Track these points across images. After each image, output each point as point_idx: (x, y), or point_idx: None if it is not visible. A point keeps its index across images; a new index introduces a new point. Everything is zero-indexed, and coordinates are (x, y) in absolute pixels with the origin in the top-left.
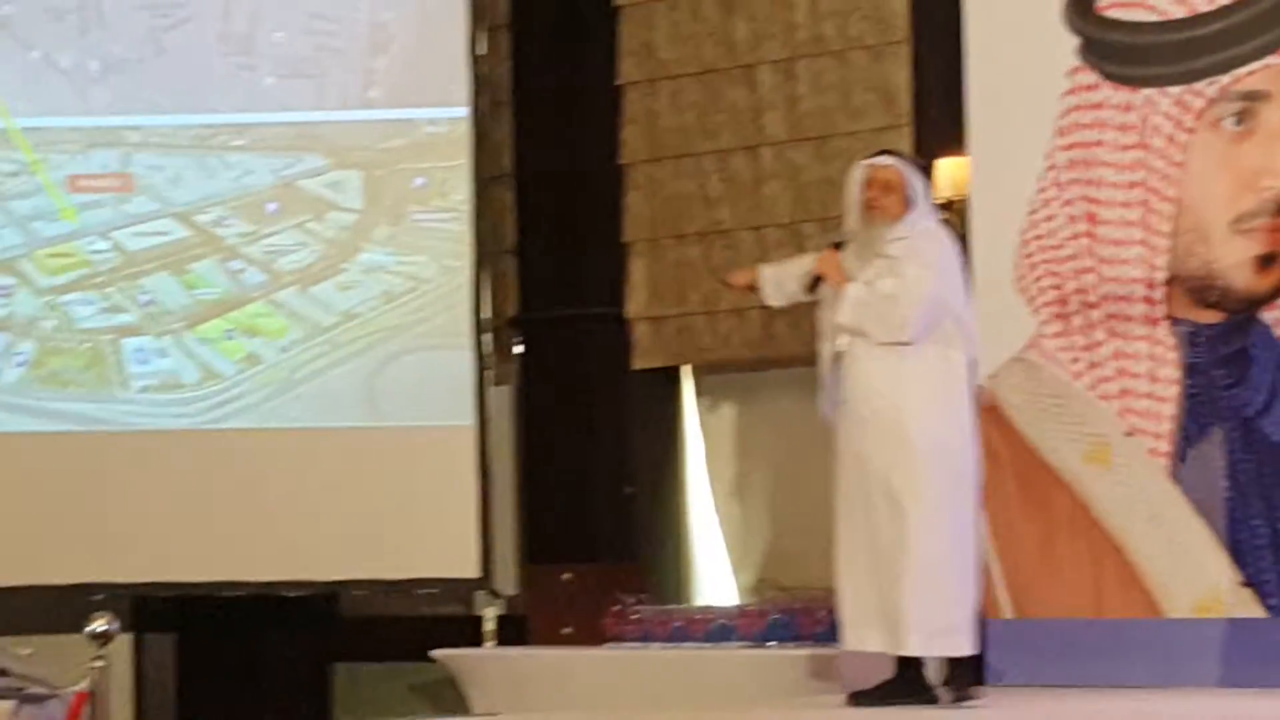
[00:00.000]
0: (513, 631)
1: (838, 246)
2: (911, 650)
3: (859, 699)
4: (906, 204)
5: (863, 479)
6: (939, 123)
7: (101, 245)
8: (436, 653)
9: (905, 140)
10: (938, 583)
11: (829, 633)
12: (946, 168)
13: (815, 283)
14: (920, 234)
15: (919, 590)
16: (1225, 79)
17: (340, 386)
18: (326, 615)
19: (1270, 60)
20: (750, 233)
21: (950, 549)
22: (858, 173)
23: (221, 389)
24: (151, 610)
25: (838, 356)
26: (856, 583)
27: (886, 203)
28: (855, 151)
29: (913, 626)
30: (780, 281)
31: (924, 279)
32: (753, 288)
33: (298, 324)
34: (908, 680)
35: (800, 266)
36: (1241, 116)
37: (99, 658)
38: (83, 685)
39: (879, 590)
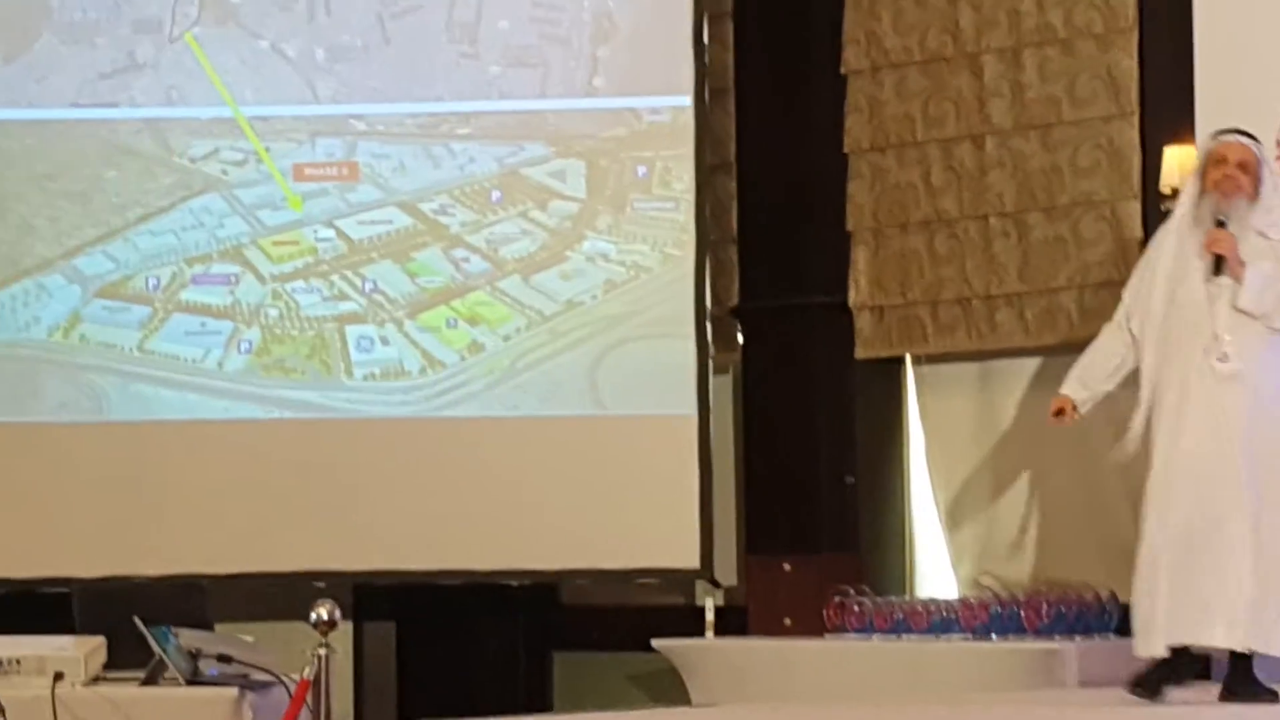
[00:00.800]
0: (732, 622)
1: (1221, 225)
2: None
3: (1230, 694)
4: (1257, 185)
5: (1219, 464)
6: (1167, 111)
7: (326, 233)
8: (657, 642)
9: (1132, 129)
10: None
11: (1051, 626)
12: (1174, 157)
13: (1219, 264)
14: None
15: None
16: None
17: (562, 375)
18: (546, 604)
19: None
20: (974, 222)
21: None
22: (1208, 148)
23: (443, 377)
24: (372, 598)
25: (1211, 349)
26: (1185, 577)
27: (1244, 181)
28: (1081, 140)
29: (1273, 624)
30: (1086, 381)
31: None
32: (1070, 409)
33: (520, 312)
34: (1248, 677)
35: (1096, 355)
36: None
37: (323, 645)
38: (306, 672)
39: (1222, 584)
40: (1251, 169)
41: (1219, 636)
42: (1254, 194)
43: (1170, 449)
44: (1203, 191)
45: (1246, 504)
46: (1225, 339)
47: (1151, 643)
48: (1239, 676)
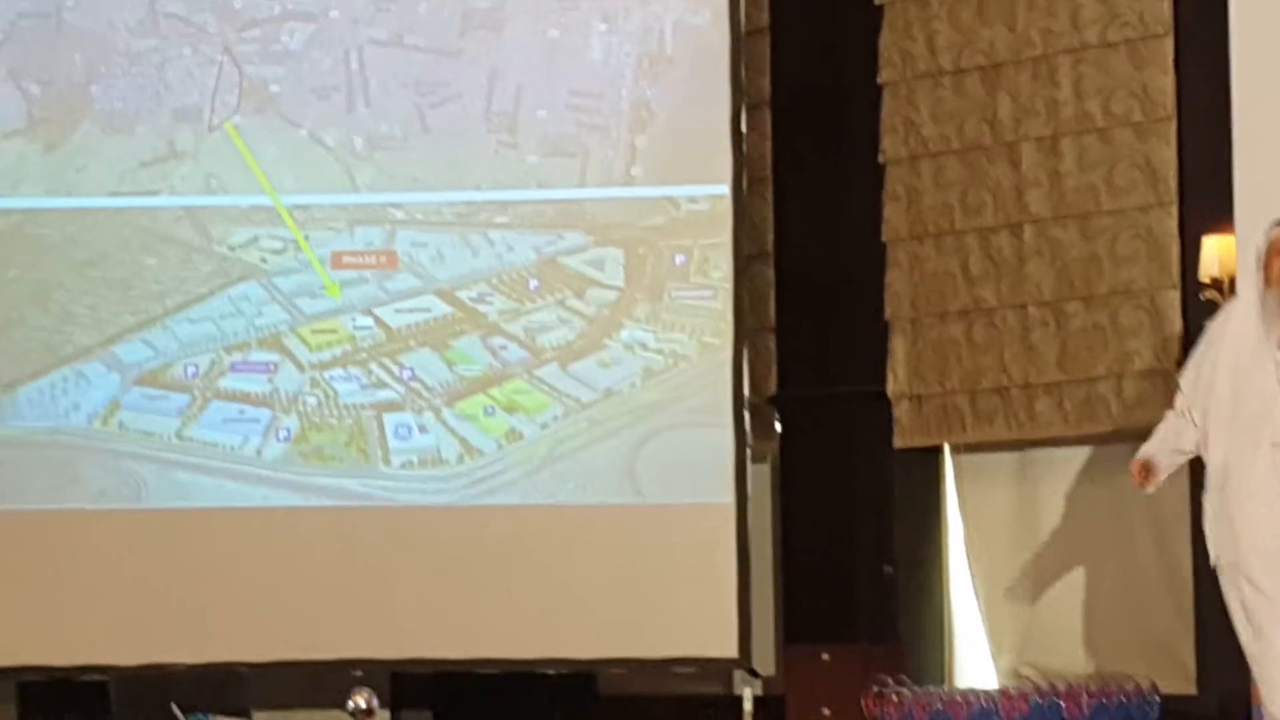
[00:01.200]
0: (771, 712)
1: None
2: None
3: None
4: None
5: None
6: (1205, 201)
7: (364, 321)
8: None
9: (1171, 218)
10: None
11: (1091, 717)
12: (1213, 246)
13: None
14: None
15: None
16: None
17: (600, 463)
18: (583, 693)
19: None
20: (1013, 311)
21: None
22: (1271, 237)
23: (481, 465)
24: (410, 686)
25: None
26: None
27: None
28: (1119, 229)
29: None
30: (1158, 454)
31: None
32: (1152, 469)
33: (558, 400)
34: None
35: (1162, 439)
36: None
37: None
38: None
39: None
40: None
41: None
42: None
43: (1248, 537)
44: (1268, 284)
45: None
46: None
47: None
48: None
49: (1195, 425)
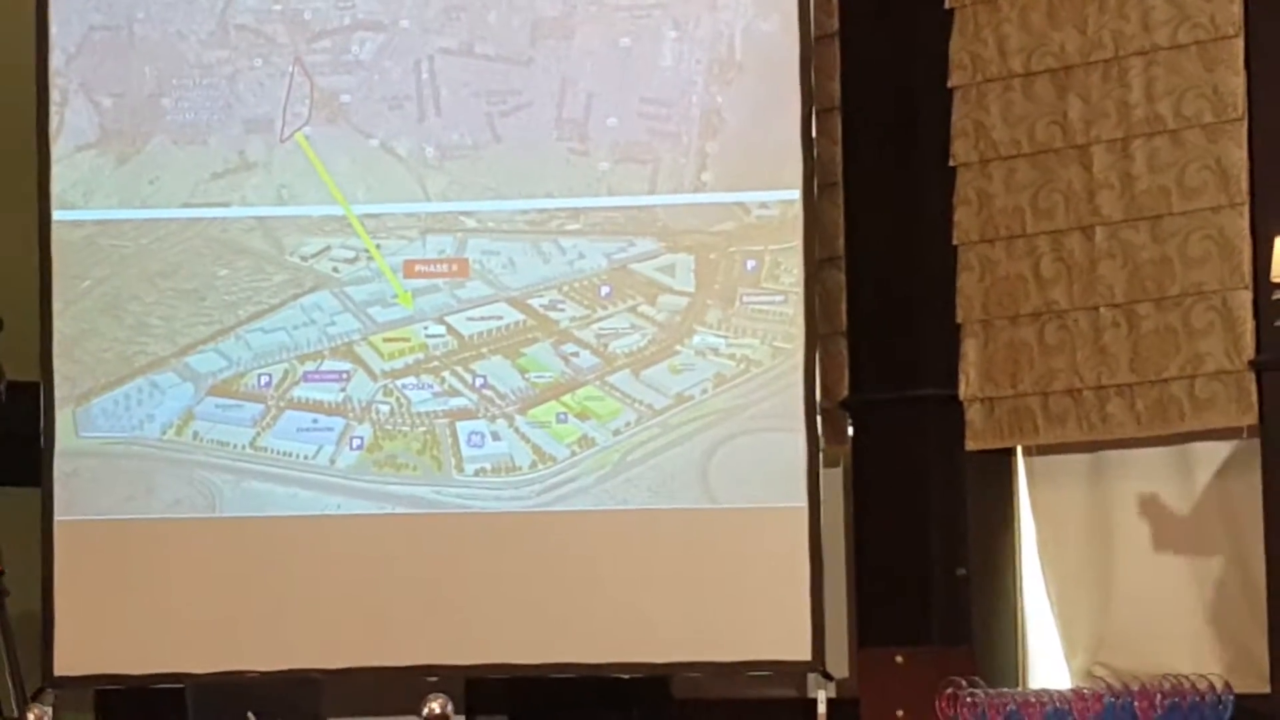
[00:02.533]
0: (845, 715)
1: None
2: None
3: None
4: None
5: None
6: (1276, 201)
7: (437, 330)
8: None
9: (1242, 219)
10: None
11: (1165, 718)
12: None
13: None
14: None
15: None
16: None
17: (673, 469)
18: (658, 698)
19: None
20: (1084, 313)
21: None
22: None
23: (554, 472)
24: (484, 692)
25: None
26: None
27: None
28: (1191, 230)
29: None
30: None
31: None
32: None
33: (630, 407)
34: None
35: None
36: None
37: None
38: None
39: None
40: None
41: None
42: None
43: None
44: None
45: None
46: None
47: None
48: None
49: None
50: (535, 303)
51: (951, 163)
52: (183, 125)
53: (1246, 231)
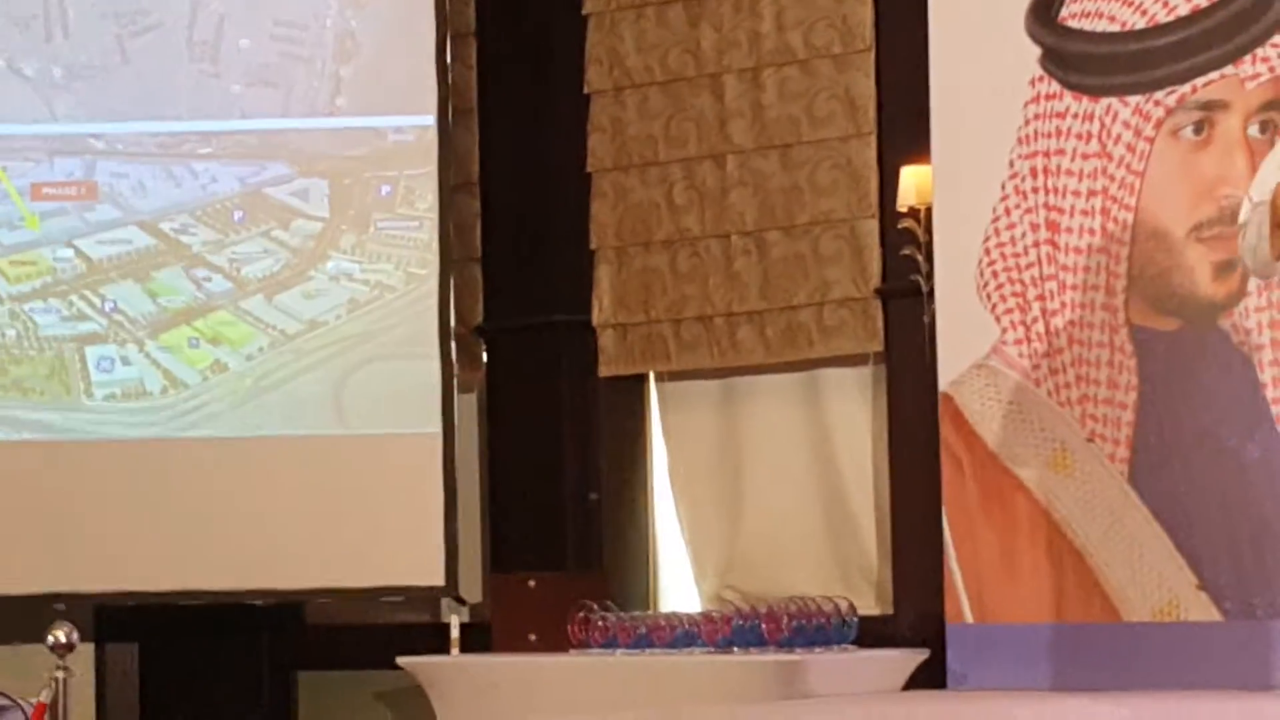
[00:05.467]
0: (478, 639)
1: None
2: None
3: None
4: None
5: None
6: (903, 131)
7: (65, 253)
8: (402, 660)
9: (870, 149)
10: None
11: (792, 639)
12: (910, 176)
13: None
14: None
15: None
16: (1184, 89)
17: (306, 394)
18: (291, 623)
19: (1228, 71)
20: (716, 240)
21: None
22: None
23: (185, 398)
24: (114, 619)
25: None
26: None
27: None
28: (820, 160)
29: None
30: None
31: None
32: None
33: (263, 332)
34: None
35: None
36: (1200, 126)
37: (60, 667)
38: (43, 695)
39: None
40: None
41: None
42: None
43: None
44: None
45: None
46: None
47: None
48: None
49: None
50: (166, 226)
51: (586, 90)
52: None
53: (874, 161)
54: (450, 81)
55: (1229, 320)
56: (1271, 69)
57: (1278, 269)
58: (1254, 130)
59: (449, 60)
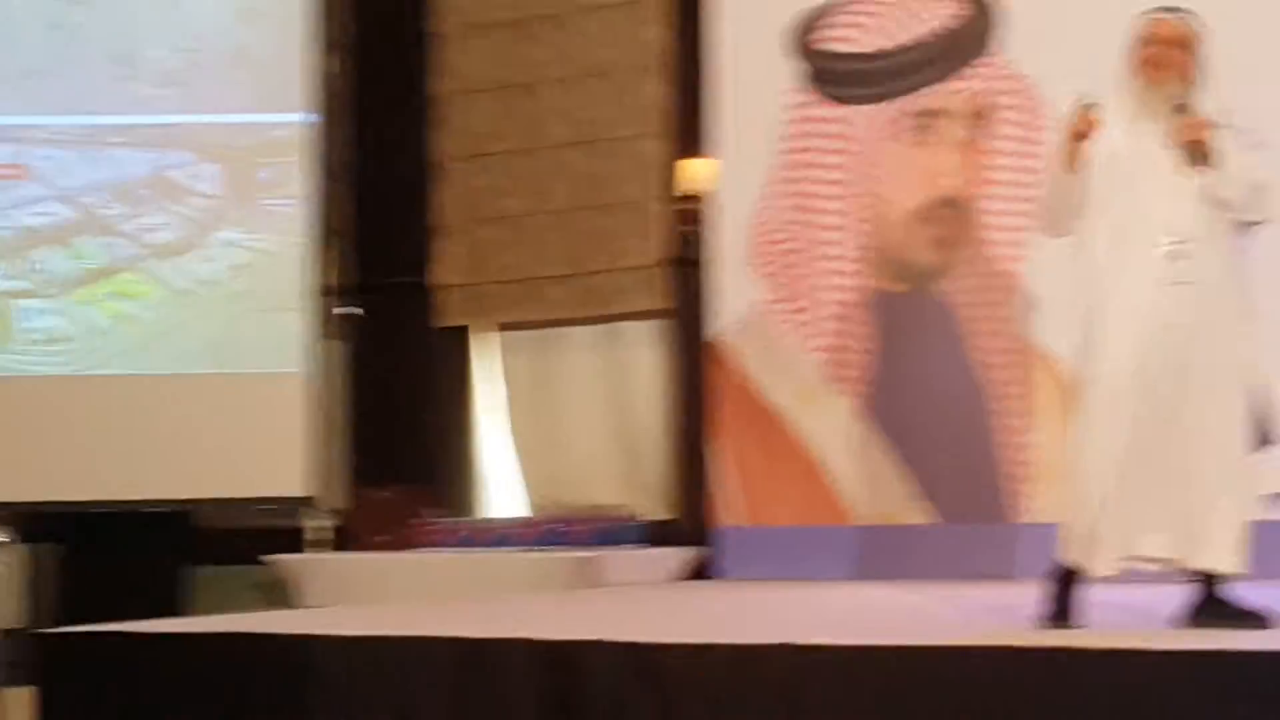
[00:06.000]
0: (339, 540)
1: (1181, 108)
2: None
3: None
4: (1191, 70)
5: (1201, 359)
6: (687, 131)
7: (3, 223)
8: (267, 558)
9: (659, 145)
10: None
11: (591, 539)
12: (696, 167)
13: (1193, 152)
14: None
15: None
16: (910, 99)
17: (196, 341)
18: (183, 527)
19: (940, 86)
20: (531, 218)
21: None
22: (1137, 27)
23: (98, 343)
24: (42, 525)
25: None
26: (1155, 479)
27: (1182, 59)
28: (618, 153)
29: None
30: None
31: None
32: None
33: (163, 289)
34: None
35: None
36: (920, 129)
37: None
38: None
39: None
40: (1190, 45)
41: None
42: (1193, 74)
43: (1120, 355)
44: (1139, 76)
45: (1219, 390)
46: (1187, 239)
47: (1099, 564)
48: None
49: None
50: (86, 201)
51: (430, 93)
52: None
53: (663, 155)
54: (323, 85)
55: (943, 284)
56: (978, 84)
57: (1069, 226)
58: (964, 133)
59: (325, 69)
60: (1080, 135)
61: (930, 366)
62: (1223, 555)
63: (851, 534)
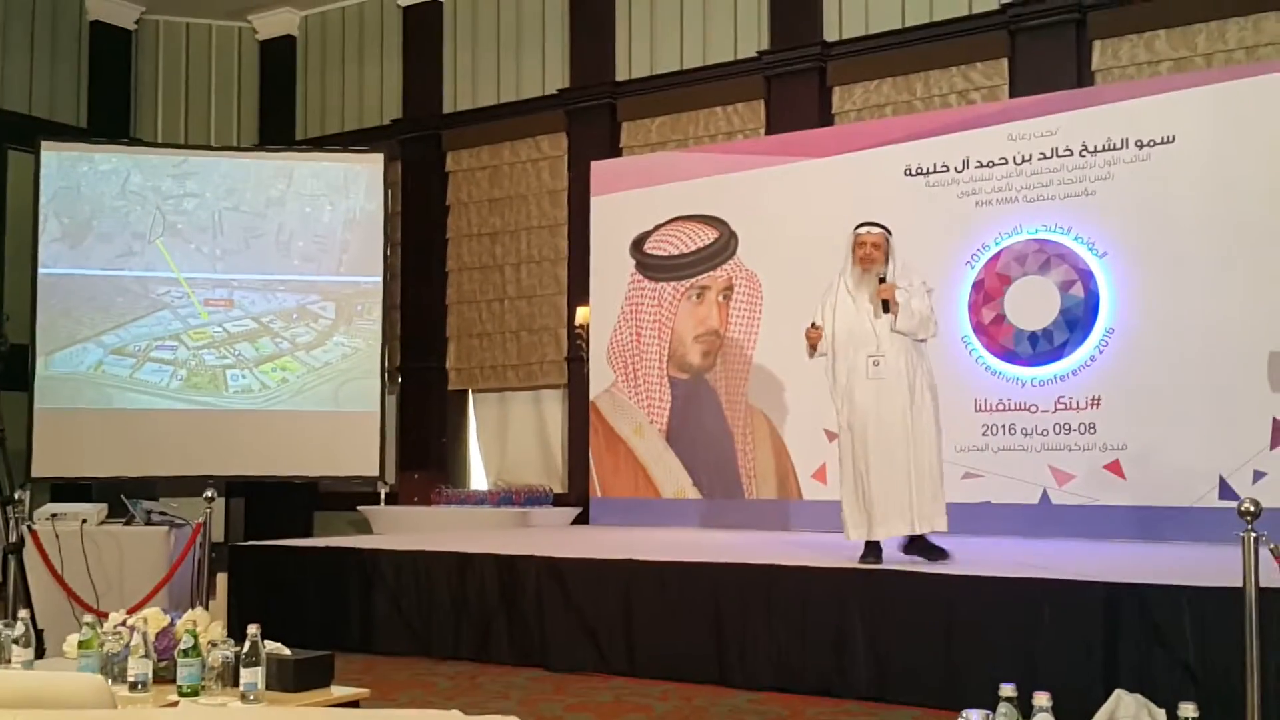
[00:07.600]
0: (394, 499)
1: (882, 280)
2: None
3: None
4: (886, 257)
5: (893, 417)
6: (579, 287)
7: (218, 330)
8: (361, 507)
9: (563, 296)
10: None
11: (524, 502)
12: (582, 311)
13: (885, 305)
14: (902, 274)
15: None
16: (691, 279)
17: (323, 393)
18: (312, 491)
19: (707, 273)
20: (499, 334)
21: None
22: (851, 236)
23: (270, 393)
24: (236, 487)
25: (871, 357)
26: (886, 487)
27: (877, 255)
28: (543, 300)
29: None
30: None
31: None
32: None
33: (303, 366)
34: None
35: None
36: (697, 295)
37: (208, 508)
38: (199, 519)
39: (908, 488)
40: (881, 245)
41: (900, 527)
42: (884, 260)
43: (850, 412)
44: (855, 264)
45: (907, 434)
46: (880, 354)
47: (862, 534)
48: (918, 541)
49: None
50: (264, 319)
51: (446, 236)
52: (102, 233)
53: (565, 303)
54: (387, 262)
55: (709, 375)
56: (727, 271)
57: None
58: (719, 298)
59: (387, 252)
60: (812, 338)
61: (702, 415)
62: (934, 520)
63: (661, 502)
